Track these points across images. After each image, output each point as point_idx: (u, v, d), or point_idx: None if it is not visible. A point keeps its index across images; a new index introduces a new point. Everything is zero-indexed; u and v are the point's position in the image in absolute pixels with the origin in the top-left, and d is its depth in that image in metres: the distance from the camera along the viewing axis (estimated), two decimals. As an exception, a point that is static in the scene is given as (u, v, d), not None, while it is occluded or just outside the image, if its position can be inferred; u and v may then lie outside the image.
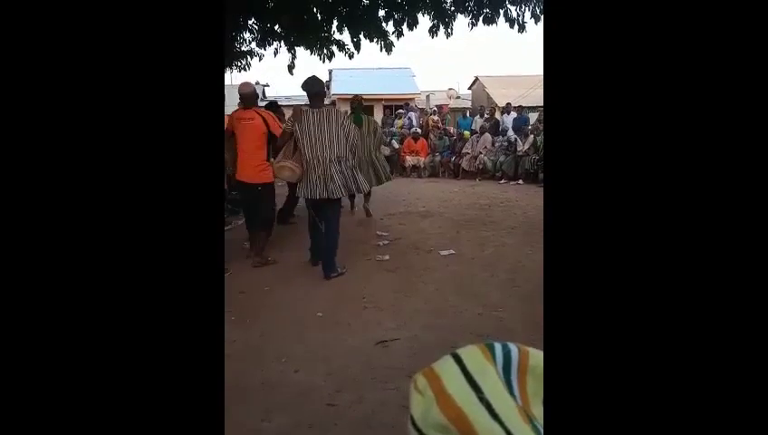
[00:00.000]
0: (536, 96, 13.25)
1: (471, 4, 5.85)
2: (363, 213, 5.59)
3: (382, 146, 6.47)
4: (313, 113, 3.34)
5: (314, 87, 3.44)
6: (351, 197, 5.50)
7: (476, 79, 18.63)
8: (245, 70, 7.16)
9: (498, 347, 0.51)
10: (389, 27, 6.18)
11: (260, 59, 7.30)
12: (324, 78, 6.28)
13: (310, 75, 3.52)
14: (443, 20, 5.94)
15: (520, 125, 9.11)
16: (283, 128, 3.57)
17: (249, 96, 3.79)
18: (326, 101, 4.43)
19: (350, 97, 6.59)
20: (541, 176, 7.74)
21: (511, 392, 0.48)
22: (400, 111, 12.21)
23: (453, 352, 0.50)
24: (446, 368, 0.48)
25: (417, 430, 0.48)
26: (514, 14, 5.83)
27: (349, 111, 5.26)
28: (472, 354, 0.49)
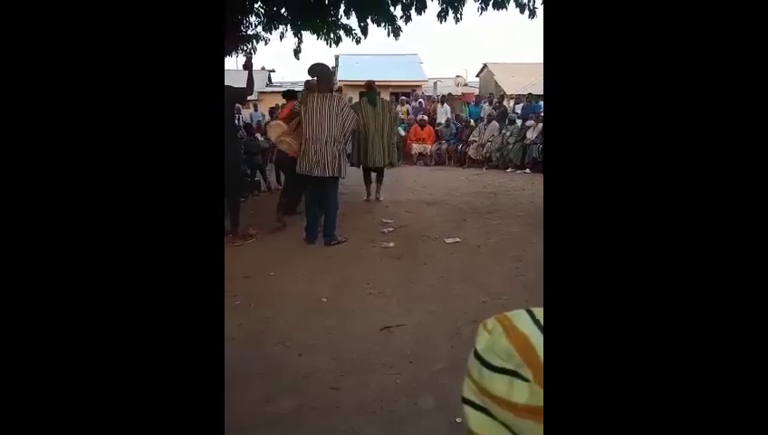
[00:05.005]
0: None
1: (481, -12, 5.75)
2: (375, 201, 5.60)
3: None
4: (319, 97, 3.72)
5: (322, 73, 3.86)
6: (368, 183, 5.57)
7: (485, 66, 18.41)
8: (251, 54, 7.11)
9: None
10: (397, 12, 6.10)
11: (266, 43, 7.24)
12: (331, 63, 6.26)
13: (319, 62, 3.92)
14: (452, 4, 5.85)
15: (529, 113, 9.00)
16: (293, 109, 4.16)
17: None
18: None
19: (357, 83, 6.57)
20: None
21: None
22: (403, 98, 12.20)
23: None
24: (516, 314, 0.52)
25: (479, 358, 0.51)
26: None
27: (357, 98, 5.34)
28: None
